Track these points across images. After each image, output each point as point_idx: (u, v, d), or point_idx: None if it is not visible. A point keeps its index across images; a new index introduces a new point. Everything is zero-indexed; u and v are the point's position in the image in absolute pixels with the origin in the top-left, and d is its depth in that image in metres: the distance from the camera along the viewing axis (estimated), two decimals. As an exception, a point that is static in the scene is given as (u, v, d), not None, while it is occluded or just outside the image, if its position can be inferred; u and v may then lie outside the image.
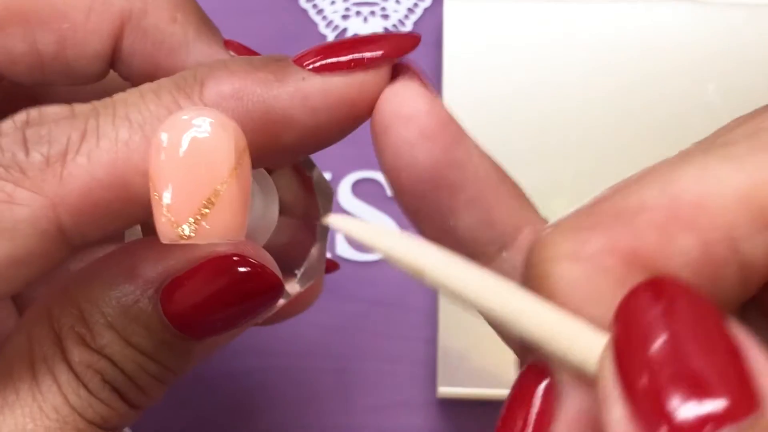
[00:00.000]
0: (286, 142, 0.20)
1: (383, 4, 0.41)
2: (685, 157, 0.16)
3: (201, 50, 0.23)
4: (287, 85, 0.19)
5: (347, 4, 0.41)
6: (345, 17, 0.41)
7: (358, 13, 0.41)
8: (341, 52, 0.20)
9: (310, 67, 0.20)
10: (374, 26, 0.41)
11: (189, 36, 0.22)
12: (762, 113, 0.17)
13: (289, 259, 0.25)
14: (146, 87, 0.20)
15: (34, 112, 0.19)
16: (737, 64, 0.38)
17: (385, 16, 0.41)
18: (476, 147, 0.19)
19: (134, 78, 0.23)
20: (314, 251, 0.25)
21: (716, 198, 0.15)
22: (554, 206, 0.38)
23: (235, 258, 0.20)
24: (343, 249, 0.38)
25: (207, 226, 0.18)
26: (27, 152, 0.18)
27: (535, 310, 0.16)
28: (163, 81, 0.20)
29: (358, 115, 0.20)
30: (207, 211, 0.17)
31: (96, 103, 0.20)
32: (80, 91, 0.26)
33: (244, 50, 0.23)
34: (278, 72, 0.20)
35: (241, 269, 0.20)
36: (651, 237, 0.16)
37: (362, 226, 0.17)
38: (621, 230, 0.16)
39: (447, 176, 0.19)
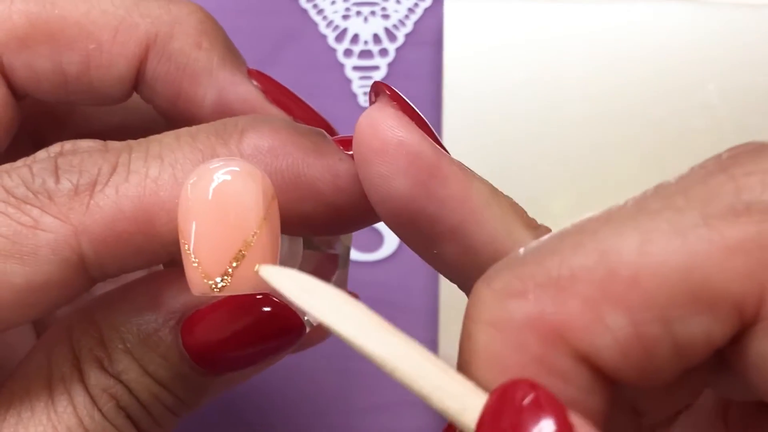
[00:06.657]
0: (306, 211, 0.20)
1: (383, 4, 0.41)
2: (628, 219, 0.15)
3: (224, 78, 0.23)
4: (324, 159, 0.19)
5: (347, 4, 0.41)
6: (345, 17, 0.41)
7: (358, 13, 0.41)
8: None
9: (350, 152, 0.20)
10: (375, 26, 0.41)
11: (213, 63, 0.23)
12: (728, 165, 0.15)
13: None
14: (184, 130, 0.20)
15: (68, 144, 0.20)
16: (737, 64, 0.38)
17: (386, 16, 0.41)
18: (456, 173, 0.18)
19: (156, 101, 0.23)
20: (335, 278, 0.25)
21: (653, 275, 0.14)
22: (554, 207, 0.38)
23: (258, 296, 0.20)
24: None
25: (238, 278, 0.17)
26: (57, 179, 0.19)
27: (429, 372, 0.15)
28: (202, 126, 0.20)
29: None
30: (238, 264, 0.17)
31: (130, 141, 0.20)
32: (103, 112, 0.26)
33: (266, 80, 0.23)
34: (320, 144, 0.20)
35: (264, 308, 0.20)
36: (578, 313, 0.14)
37: (296, 284, 0.16)
38: (548, 302, 0.15)
39: (424, 208, 0.18)
